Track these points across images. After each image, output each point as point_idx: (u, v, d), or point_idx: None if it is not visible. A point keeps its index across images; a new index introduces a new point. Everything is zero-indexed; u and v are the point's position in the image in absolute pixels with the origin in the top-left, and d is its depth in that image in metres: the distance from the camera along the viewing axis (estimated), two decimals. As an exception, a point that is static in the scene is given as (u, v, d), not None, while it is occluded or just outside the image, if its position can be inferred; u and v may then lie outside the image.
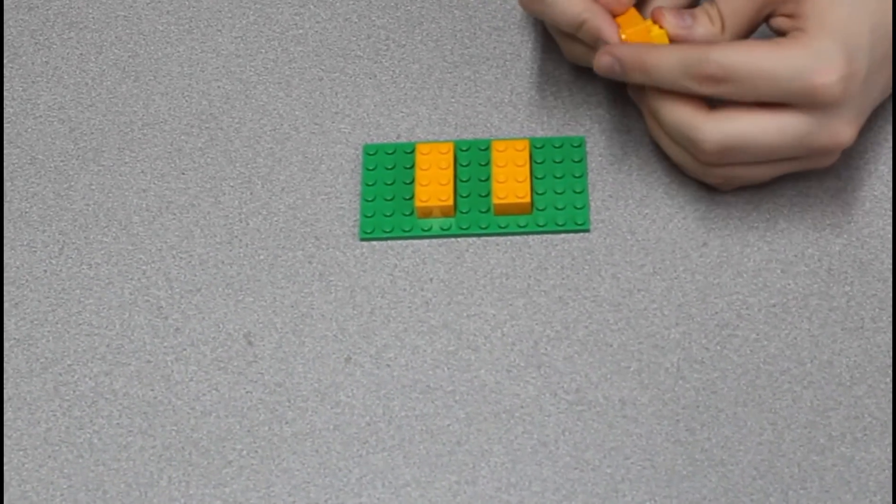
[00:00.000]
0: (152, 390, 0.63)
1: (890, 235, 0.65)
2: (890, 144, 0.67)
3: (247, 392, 0.62)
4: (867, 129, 0.68)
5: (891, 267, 0.64)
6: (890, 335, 0.62)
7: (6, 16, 0.75)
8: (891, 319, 0.62)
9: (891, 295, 0.63)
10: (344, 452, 0.60)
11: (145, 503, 0.60)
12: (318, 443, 0.61)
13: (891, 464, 0.59)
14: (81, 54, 0.73)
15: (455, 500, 0.59)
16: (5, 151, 0.70)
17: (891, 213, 0.65)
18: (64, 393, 0.63)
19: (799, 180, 0.67)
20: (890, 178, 0.66)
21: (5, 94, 0.72)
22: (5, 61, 0.73)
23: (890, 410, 0.60)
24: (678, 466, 0.59)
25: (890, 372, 0.61)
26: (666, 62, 0.61)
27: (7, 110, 0.71)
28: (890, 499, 0.58)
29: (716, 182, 0.64)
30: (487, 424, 0.61)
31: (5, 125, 0.71)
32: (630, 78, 0.62)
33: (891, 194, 0.66)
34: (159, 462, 0.61)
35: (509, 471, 0.60)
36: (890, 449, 0.59)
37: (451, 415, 0.61)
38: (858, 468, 0.59)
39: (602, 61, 0.62)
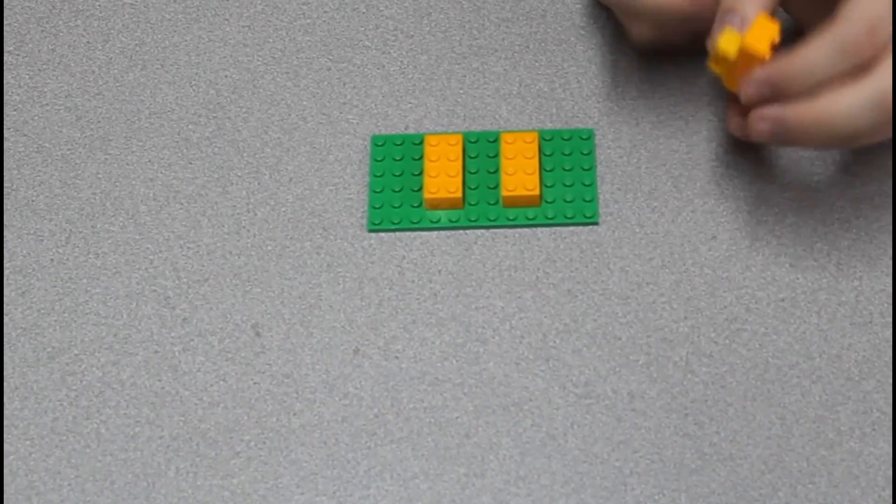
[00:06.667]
0: (160, 381, 0.62)
1: (899, 230, 0.65)
2: (899, 139, 0.67)
3: (254, 383, 0.62)
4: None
5: (900, 262, 0.64)
6: (899, 330, 0.62)
7: (13, 3, 0.75)
8: (900, 314, 0.62)
9: (900, 290, 0.63)
10: (352, 444, 0.60)
11: (152, 494, 0.60)
12: (326, 434, 0.61)
13: (899, 459, 0.59)
14: (88, 42, 0.73)
15: (463, 493, 0.59)
16: (12, 140, 0.70)
17: (900, 208, 0.65)
18: (71, 383, 0.62)
19: (807, 174, 0.66)
20: (899, 172, 0.66)
21: (12, 82, 0.72)
22: (12, 49, 0.73)
23: (899, 406, 0.60)
24: (686, 460, 0.59)
25: (899, 367, 0.61)
26: (817, 54, 0.58)
27: (13, 98, 0.71)
28: (898, 494, 0.58)
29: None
30: (496, 417, 0.61)
31: (12, 113, 0.71)
32: (781, 92, 0.60)
33: (900, 189, 0.66)
34: (167, 453, 0.60)
35: (518, 464, 0.60)
36: (898, 444, 0.59)
37: (459, 407, 0.61)
38: (867, 463, 0.59)
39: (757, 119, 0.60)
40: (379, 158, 0.67)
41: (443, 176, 0.66)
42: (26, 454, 0.61)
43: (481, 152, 0.67)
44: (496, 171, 0.67)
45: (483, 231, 0.66)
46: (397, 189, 0.66)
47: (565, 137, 0.67)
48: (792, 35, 0.71)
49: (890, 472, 0.59)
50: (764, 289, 0.63)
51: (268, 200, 0.67)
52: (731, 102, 0.65)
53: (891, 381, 0.61)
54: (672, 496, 0.59)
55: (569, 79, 0.70)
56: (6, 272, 0.66)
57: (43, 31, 0.74)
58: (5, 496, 0.60)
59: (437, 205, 0.66)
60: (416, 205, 0.66)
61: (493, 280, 0.64)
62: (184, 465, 0.60)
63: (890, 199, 0.66)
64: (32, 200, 0.68)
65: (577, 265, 0.65)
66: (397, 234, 0.66)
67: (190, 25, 0.73)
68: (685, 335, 0.62)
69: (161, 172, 0.68)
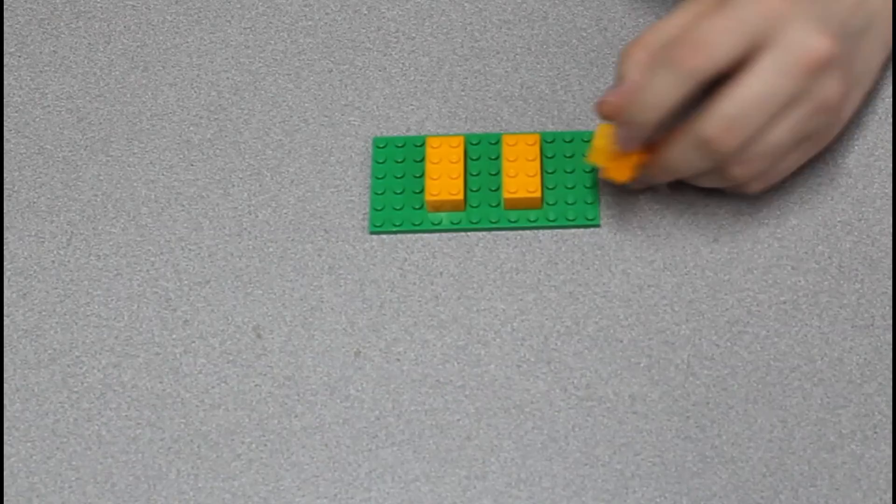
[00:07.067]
0: (161, 383, 0.62)
1: (901, 233, 0.65)
2: (901, 141, 0.67)
3: (256, 385, 0.62)
4: (881, 124, 0.68)
5: (901, 265, 0.64)
6: (900, 333, 0.62)
7: (14, 4, 0.75)
8: (901, 317, 0.63)
9: (901, 293, 0.63)
10: (353, 447, 0.60)
11: (153, 496, 0.60)
12: (328, 437, 0.61)
13: (901, 462, 0.59)
14: (90, 44, 0.73)
15: (465, 496, 0.59)
16: (13, 141, 0.70)
17: (902, 211, 0.65)
18: (72, 385, 0.62)
19: (808, 177, 0.67)
20: (901, 175, 0.66)
21: (13, 83, 0.72)
22: (13, 50, 0.73)
23: (900, 408, 0.60)
24: (688, 463, 0.59)
25: (900, 370, 0.61)
26: (678, 151, 0.61)
27: (15, 100, 0.71)
28: (900, 497, 0.58)
29: (755, 182, 0.63)
30: (497, 420, 0.61)
31: (13, 115, 0.71)
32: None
33: (902, 192, 0.66)
34: (168, 455, 0.61)
35: (519, 466, 0.60)
36: (900, 447, 0.59)
37: (460, 410, 0.61)
38: (868, 466, 0.59)
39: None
40: (380, 160, 0.67)
41: (444, 178, 0.66)
42: (27, 456, 0.61)
43: (483, 154, 0.67)
44: (498, 174, 0.67)
45: (484, 233, 0.66)
46: (399, 191, 0.66)
47: (567, 140, 0.67)
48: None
49: (891, 475, 0.59)
50: (765, 291, 0.63)
51: (269, 202, 0.67)
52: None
53: (892, 383, 0.61)
54: (673, 499, 0.59)
55: (570, 81, 0.70)
56: (7, 274, 0.66)
57: (44, 32, 0.74)
58: (6, 498, 0.60)
59: (438, 207, 0.66)
60: (417, 207, 0.66)
61: (495, 282, 0.64)
62: (185, 467, 0.60)
63: (892, 202, 0.66)
64: (34, 202, 0.68)
65: (578, 267, 0.65)
66: (399, 236, 0.66)
67: (191, 27, 0.73)
68: (686, 338, 0.62)
69: (162, 174, 0.68)
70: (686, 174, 0.62)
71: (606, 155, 0.63)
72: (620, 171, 0.63)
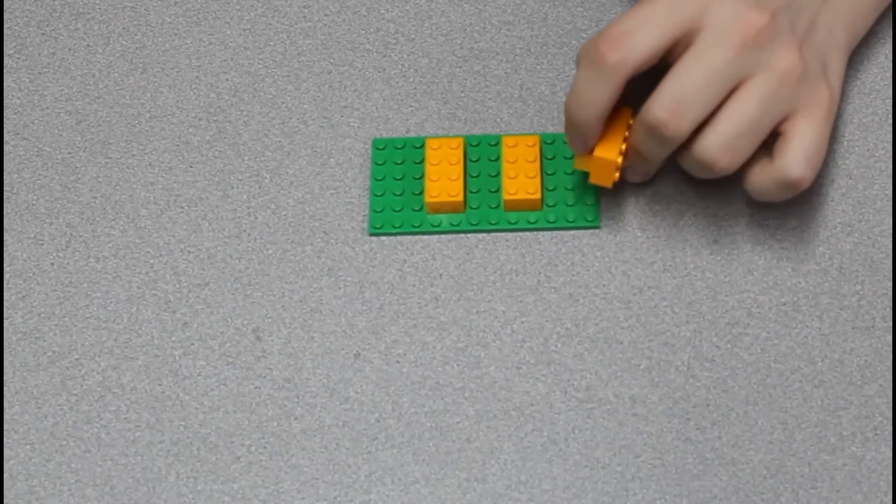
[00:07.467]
0: (160, 385, 0.62)
1: (901, 234, 0.65)
2: (901, 142, 0.67)
3: (255, 388, 0.62)
4: (881, 125, 0.68)
5: (902, 266, 0.64)
6: (901, 334, 0.62)
7: (13, 6, 0.75)
8: (902, 319, 0.62)
9: (902, 294, 0.63)
10: (353, 449, 0.60)
11: (153, 498, 0.60)
12: (327, 439, 0.61)
13: (901, 464, 0.59)
14: (88, 46, 0.73)
15: (464, 498, 0.59)
16: (12, 143, 0.70)
17: (902, 212, 0.65)
18: (71, 387, 0.62)
19: (809, 178, 0.67)
20: (901, 176, 0.66)
21: (12, 85, 0.72)
22: (12, 52, 0.73)
23: (901, 410, 0.60)
24: (688, 465, 0.59)
25: (901, 371, 0.61)
26: (636, 139, 0.62)
27: (14, 102, 0.71)
28: (900, 499, 0.58)
29: (724, 163, 0.61)
30: (497, 422, 0.61)
31: (12, 117, 0.71)
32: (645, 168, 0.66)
33: (902, 193, 0.66)
34: (167, 457, 0.60)
35: (519, 468, 0.60)
36: (901, 449, 0.59)
37: (460, 412, 0.61)
38: (869, 468, 0.59)
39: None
40: (380, 162, 0.67)
41: (444, 179, 0.66)
42: (26, 459, 0.61)
43: (483, 156, 0.67)
44: (497, 175, 0.67)
45: (484, 235, 0.66)
46: (398, 193, 0.66)
47: (567, 141, 0.67)
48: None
49: (891, 477, 0.59)
50: (766, 293, 0.63)
51: (268, 204, 0.67)
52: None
53: (892, 385, 0.61)
54: (674, 501, 0.58)
55: (570, 82, 0.70)
56: (6, 276, 0.66)
57: (43, 34, 0.74)
58: (6, 500, 0.60)
59: (438, 208, 0.66)
60: (417, 208, 0.66)
61: (495, 284, 0.64)
62: (184, 469, 0.60)
63: (892, 203, 0.66)
64: (33, 204, 0.68)
65: (578, 269, 0.65)
66: (398, 237, 0.66)
67: (190, 29, 0.73)
68: (687, 339, 0.62)
69: (161, 176, 0.68)
70: (654, 160, 0.62)
71: (589, 161, 0.63)
72: (604, 176, 0.63)
